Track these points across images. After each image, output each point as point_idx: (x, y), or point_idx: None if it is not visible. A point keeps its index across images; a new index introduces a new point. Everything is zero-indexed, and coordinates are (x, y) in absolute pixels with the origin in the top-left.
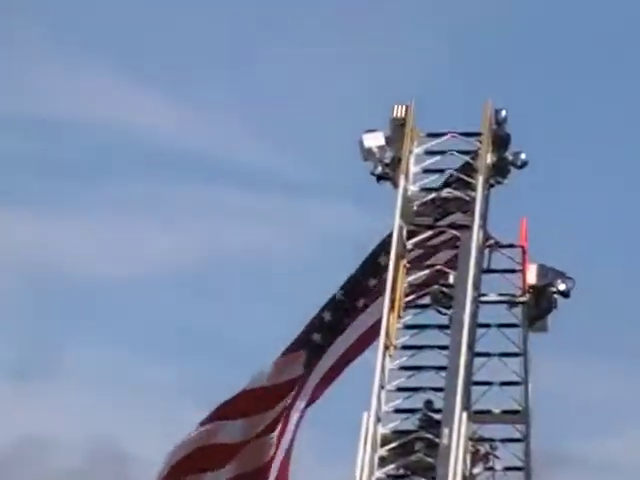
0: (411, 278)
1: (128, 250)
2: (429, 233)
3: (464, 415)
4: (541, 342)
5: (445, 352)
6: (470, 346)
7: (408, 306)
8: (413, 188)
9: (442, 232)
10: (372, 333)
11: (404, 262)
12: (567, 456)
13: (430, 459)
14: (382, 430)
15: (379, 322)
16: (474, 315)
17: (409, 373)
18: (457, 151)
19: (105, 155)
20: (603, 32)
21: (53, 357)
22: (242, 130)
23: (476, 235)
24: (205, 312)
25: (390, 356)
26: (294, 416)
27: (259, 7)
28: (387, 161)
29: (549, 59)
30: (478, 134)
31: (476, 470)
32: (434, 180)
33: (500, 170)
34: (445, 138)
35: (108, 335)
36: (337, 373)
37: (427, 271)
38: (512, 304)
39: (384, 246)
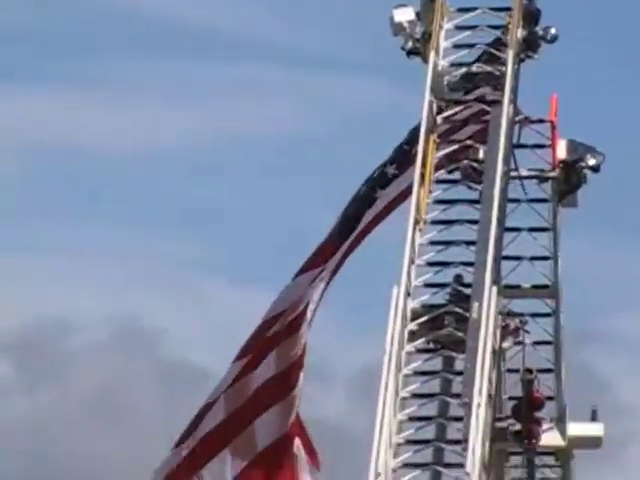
0: (441, 153)
1: (143, 128)
2: (460, 108)
3: (494, 289)
4: (571, 217)
5: (475, 227)
6: (500, 221)
7: (438, 181)
8: (443, 63)
9: (476, 108)
10: (400, 198)
11: (434, 137)
12: (596, 332)
13: (460, 333)
14: (412, 304)
15: (408, 188)
16: (504, 190)
17: (439, 247)
18: (487, 26)
19: (111, 30)
20: None
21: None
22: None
23: (506, 109)
24: (221, 187)
25: (420, 230)
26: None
27: None
28: (417, 36)
29: None
30: (508, 9)
31: (506, 344)
32: (464, 55)
33: (530, 45)
34: (475, 13)
35: (123, 212)
36: (362, 237)
37: (457, 146)
38: (542, 179)
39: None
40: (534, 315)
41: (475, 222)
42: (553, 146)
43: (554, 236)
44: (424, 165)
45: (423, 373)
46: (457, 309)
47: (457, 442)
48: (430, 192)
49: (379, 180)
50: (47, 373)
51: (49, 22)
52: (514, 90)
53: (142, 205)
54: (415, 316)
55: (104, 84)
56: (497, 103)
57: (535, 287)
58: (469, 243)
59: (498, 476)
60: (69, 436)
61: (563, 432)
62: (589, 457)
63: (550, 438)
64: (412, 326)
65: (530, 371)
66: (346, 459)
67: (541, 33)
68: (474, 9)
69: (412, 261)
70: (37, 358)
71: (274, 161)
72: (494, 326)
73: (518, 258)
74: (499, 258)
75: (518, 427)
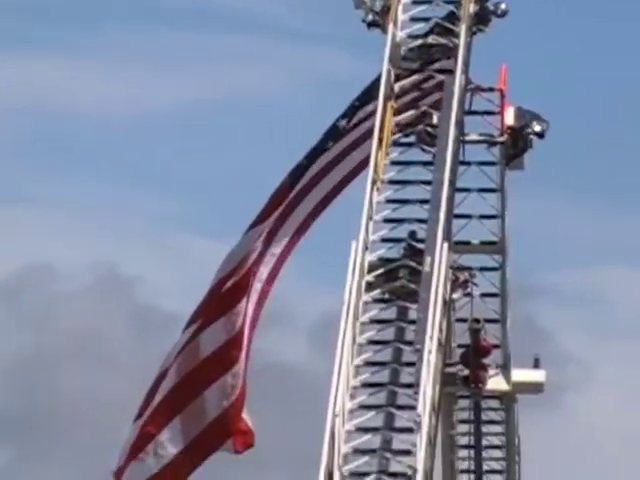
0: (398, 118)
1: (129, 94)
2: (416, 77)
3: (445, 245)
4: (518, 179)
5: (428, 187)
6: (452, 182)
7: (395, 144)
8: (401, 34)
9: (431, 77)
10: (360, 167)
11: (391, 103)
12: (540, 286)
13: (413, 285)
14: (369, 258)
15: (367, 158)
16: (456, 153)
17: (395, 205)
18: (442, 1)
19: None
20: None
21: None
22: None
23: (459, 79)
24: (204, 151)
25: (377, 190)
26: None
27: None
28: (377, 9)
29: None
30: None
31: (455, 295)
32: (421, 28)
33: (481, 19)
34: None
35: (109, 169)
36: (324, 206)
37: (413, 111)
38: (491, 144)
39: (370, 91)
40: (482, 269)
41: (428, 183)
42: (502, 113)
43: (502, 197)
44: (382, 129)
45: (379, 321)
46: (411, 263)
47: (409, 386)
48: (387, 154)
49: (331, 133)
50: (33, 316)
51: None
52: (466, 61)
53: (125, 163)
54: (372, 269)
55: (95, 51)
56: (450, 73)
57: (483, 243)
58: (423, 202)
59: (447, 418)
60: (52, 373)
61: (507, 378)
62: (531, 401)
63: (495, 383)
64: (369, 278)
65: (477, 321)
66: (306, 401)
67: (492, 8)
68: None
69: (370, 218)
70: (25, 302)
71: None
72: (445, 279)
73: (468, 216)
74: (450, 216)
75: (466, 372)
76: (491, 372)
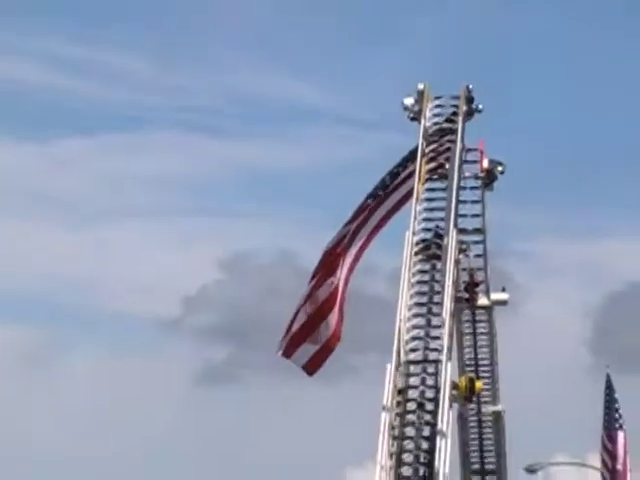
0: (428, 166)
1: None
2: (436, 145)
3: (454, 230)
4: (490, 196)
5: (444, 202)
6: (457, 198)
7: (427, 180)
8: (428, 124)
9: (444, 144)
10: (409, 195)
11: (424, 158)
12: (507, 251)
13: (439, 252)
14: (416, 238)
15: (412, 190)
16: (458, 182)
17: (427, 212)
18: (449, 104)
19: None
20: None
21: None
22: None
23: (459, 145)
24: None
25: (418, 202)
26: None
27: None
28: (416, 110)
29: None
30: (458, 97)
31: (460, 257)
32: (438, 119)
33: (470, 113)
34: (444, 98)
35: None
36: (391, 214)
37: (435, 163)
38: (476, 177)
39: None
40: (474, 242)
41: (444, 199)
42: (481, 162)
43: (482, 205)
44: (420, 172)
45: (420, 271)
46: (437, 240)
47: (437, 303)
48: (423, 184)
49: (381, 186)
50: None
51: None
52: (462, 136)
53: None
54: (417, 243)
55: None
56: (454, 143)
57: (474, 229)
58: (442, 209)
59: (457, 322)
60: None
61: (489, 297)
62: (501, 311)
63: (483, 301)
64: (416, 248)
65: (472, 269)
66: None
67: (475, 107)
68: (442, 97)
69: (415, 217)
70: None
71: None
72: (455, 248)
73: (464, 216)
74: (456, 216)
75: (467, 296)
76: (480, 295)
